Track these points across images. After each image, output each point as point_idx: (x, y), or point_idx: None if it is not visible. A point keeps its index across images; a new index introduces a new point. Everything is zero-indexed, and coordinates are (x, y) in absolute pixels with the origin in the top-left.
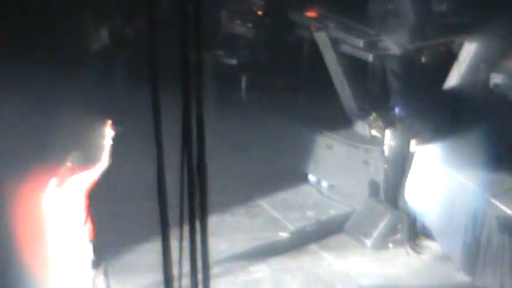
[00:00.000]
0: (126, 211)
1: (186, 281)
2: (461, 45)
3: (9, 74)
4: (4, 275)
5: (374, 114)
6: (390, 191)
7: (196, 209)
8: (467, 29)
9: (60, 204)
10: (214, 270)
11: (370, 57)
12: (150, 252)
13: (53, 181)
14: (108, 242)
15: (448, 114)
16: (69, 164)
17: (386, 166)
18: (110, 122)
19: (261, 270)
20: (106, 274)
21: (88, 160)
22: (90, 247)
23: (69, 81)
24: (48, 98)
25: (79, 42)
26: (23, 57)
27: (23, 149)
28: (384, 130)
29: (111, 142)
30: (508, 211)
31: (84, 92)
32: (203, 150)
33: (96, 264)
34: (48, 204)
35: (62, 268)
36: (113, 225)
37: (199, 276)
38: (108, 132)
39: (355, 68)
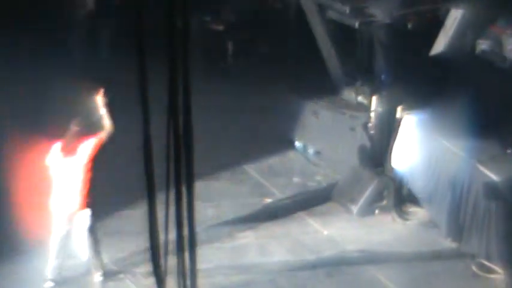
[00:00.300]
0: (112, 176)
1: (172, 247)
2: (447, 12)
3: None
4: (5, 236)
5: (360, 81)
6: (377, 157)
7: (183, 175)
8: None
9: (64, 167)
10: (200, 236)
11: (356, 24)
12: (136, 218)
13: (57, 145)
14: (95, 207)
15: (434, 80)
16: (75, 128)
17: (372, 132)
18: (101, 90)
19: (247, 237)
20: (97, 240)
21: (90, 125)
22: (88, 212)
23: (56, 47)
24: (38, 64)
25: (65, 8)
26: (11, 24)
27: (22, 113)
28: (371, 96)
29: (104, 109)
30: (494, 177)
31: (72, 59)
32: (189, 117)
33: (92, 229)
34: (52, 167)
35: (61, 231)
36: (98, 191)
37: (186, 241)
38: (100, 100)
39: (342, 34)
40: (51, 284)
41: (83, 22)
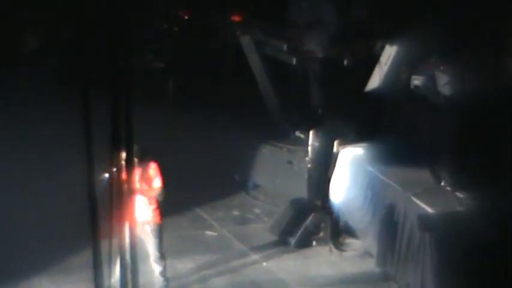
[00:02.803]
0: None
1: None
2: (382, 48)
3: None
4: None
5: (297, 116)
6: (314, 190)
7: (126, 213)
8: (387, 33)
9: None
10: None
11: (293, 60)
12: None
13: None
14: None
15: (370, 115)
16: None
17: (309, 166)
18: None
19: (188, 268)
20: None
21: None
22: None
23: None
24: None
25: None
26: None
27: None
28: (307, 131)
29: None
30: (428, 209)
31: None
32: (131, 150)
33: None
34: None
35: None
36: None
37: (129, 272)
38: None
39: (279, 70)
40: None
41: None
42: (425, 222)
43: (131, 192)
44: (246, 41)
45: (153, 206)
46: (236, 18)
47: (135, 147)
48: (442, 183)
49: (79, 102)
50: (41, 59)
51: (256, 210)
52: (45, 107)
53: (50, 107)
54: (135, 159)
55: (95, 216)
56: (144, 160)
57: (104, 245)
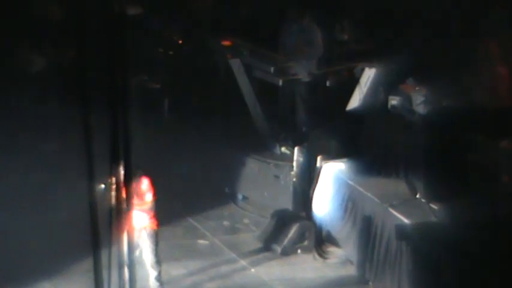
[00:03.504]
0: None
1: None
2: (362, 70)
3: None
4: None
5: (284, 133)
6: (298, 202)
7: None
8: (367, 56)
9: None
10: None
11: (280, 82)
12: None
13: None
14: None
15: (350, 132)
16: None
17: (295, 180)
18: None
19: (181, 275)
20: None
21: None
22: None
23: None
24: None
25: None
26: None
27: None
28: (293, 148)
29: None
30: (405, 220)
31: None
32: (130, 166)
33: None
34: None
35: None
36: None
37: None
38: None
39: (267, 91)
40: None
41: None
42: (401, 231)
43: (128, 202)
44: (235, 64)
45: (150, 214)
46: (226, 43)
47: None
48: (417, 196)
49: (80, 118)
50: (46, 78)
51: (245, 221)
52: (48, 124)
53: (52, 123)
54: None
55: (96, 224)
56: (136, 175)
57: (103, 252)
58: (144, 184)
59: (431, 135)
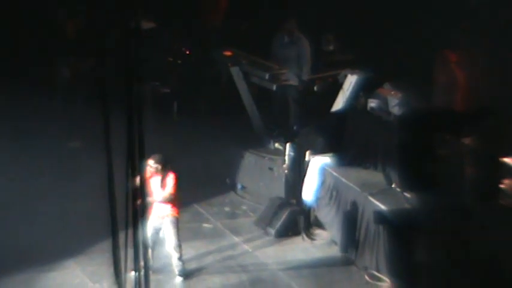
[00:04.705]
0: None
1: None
2: (345, 77)
3: None
4: None
5: (277, 131)
6: (290, 191)
7: (139, 210)
8: (349, 64)
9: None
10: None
11: (274, 87)
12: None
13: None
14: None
15: (335, 131)
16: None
17: (286, 172)
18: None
19: (189, 253)
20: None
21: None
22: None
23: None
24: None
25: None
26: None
27: None
28: (285, 143)
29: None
30: (382, 207)
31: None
32: (143, 160)
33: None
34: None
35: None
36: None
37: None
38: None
39: (262, 95)
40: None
41: (63, 87)
42: (379, 216)
43: (147, 193)
44: (235, 71)
45: (172, 204)
46: (228, 53)
47: (160, 156)
48: (393, 185)
49: (100, 120)
50: (72, 86)
51: (244, 207)
52: (73, 125)
53: (77, 124)
54: (159, 166)
55: (114, 210)
56: (165, 168)
57: (121, 234)
58: (170, 178)
59: (404, 133)
